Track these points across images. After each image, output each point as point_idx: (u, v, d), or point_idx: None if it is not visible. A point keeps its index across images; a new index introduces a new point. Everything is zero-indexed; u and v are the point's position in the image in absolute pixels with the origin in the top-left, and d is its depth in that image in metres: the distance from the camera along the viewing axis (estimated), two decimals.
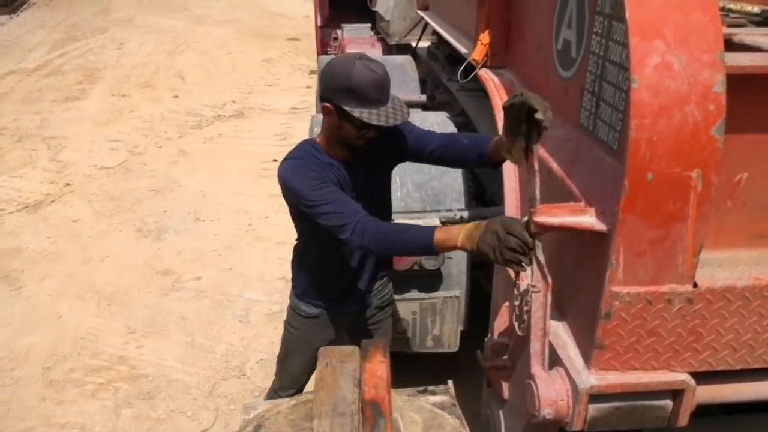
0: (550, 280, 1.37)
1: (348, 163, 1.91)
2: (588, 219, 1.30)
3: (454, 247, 1.59)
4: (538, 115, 1.33)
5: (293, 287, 2.24)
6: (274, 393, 2.36)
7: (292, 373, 2.31)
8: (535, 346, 1.38)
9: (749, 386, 1.45)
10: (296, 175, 1.82)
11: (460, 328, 2.63)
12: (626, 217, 1.23)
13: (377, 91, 1.74)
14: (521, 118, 1.39)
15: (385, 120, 1.74)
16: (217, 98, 7.45)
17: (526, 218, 1.40)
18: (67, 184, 5.33)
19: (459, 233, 1.56)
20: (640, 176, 1.21)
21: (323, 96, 1.81)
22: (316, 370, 1.73)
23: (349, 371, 1.70)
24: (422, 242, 1.67)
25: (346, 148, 1.87)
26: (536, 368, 1.38)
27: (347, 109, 1.74)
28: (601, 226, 1.29)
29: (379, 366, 1.72)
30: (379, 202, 2.06)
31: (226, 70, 8.66)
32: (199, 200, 5.03)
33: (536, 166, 1.37)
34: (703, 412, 1.58)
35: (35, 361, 3.34)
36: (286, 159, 1.89)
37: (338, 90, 1.75)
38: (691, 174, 1.20)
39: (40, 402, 3.07)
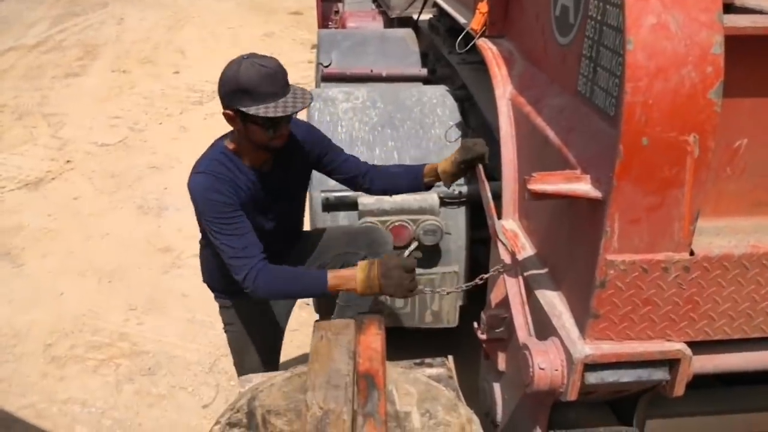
0: (518, 256, 1.36)
1: (262, 173, 1.89)
2: (583, 186, 1.28)
3: (354, 290, 1.77)
4: (485, 161, 1.92)
5: (207, 284, 2.23)
6: None
7: (253, 369, 2.19)
8: (518, 319, 1.37)
9: (747, 356, 1.43)
10: (205, 195, 1.80)
11: (460, 303, 2.62)
12: (621, 184, 1.20)
13: (269, 84, 1.73)
14: (473, 161, 1.91)
15: (283, 110, 1.73)
16: (218, 74, 7.35)
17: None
18: (68, 161, 5.31)
19: (355, 281, 1.75)
20: (635, 141, 1.17)
21: (223, 104, 1.80)
22: (311, 343, 1.73)
23: (343, 344, 1.69)
24: (315, 290, 1.85)
25: (264, 151, 1.85)
26: (526, 338, 1.36)
27: (244, 109, 1.72)
28: (596, 194, 1.26)
29: (374, 338, 1.71)
30: (288, 215, 2.08)
31: (227, 45, 8.57)
32: None
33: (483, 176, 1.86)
34: (701, 383, 1.57)
35: (37, 337, 3.35)
36: (197, 171, 1.85)
37: (231, 93, 1.74)
38: (687, 138, 1.17)
39: (41, 378, 3.09)
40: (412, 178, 2.07)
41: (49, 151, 5.53)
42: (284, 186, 1.97)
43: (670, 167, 1.19)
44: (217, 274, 2.08)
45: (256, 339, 2.17)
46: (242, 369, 2.25)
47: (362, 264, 1.77)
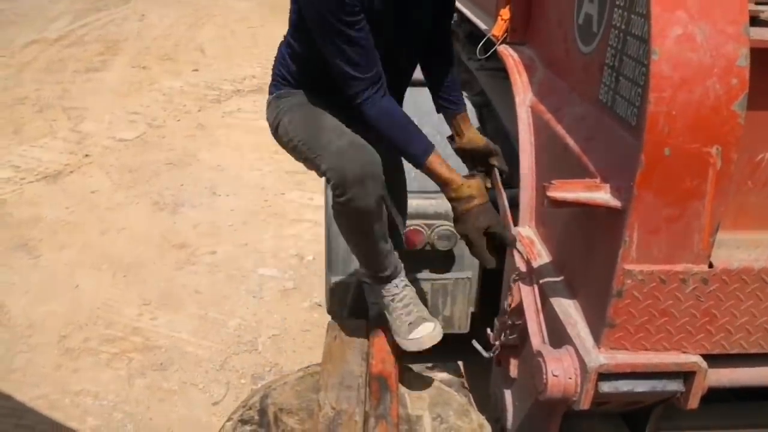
0: (533, 264, 1.36)
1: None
2: (603, 195, 1.27)
3: (444, 185, 1.65)
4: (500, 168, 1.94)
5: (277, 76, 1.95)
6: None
7: (334, 127, 1.74)
8: (532, 327, 1.37)
9: (764, 371, 1.42)
10: None
11: (471, 309, 2.62)
12: (642, 193, 1.20)
13: None
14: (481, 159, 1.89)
15: None
16: (237, 72, 7.43)
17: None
18: (86, 155, 5.37)
19: (453, 180, 1.63)
20: (657, 151, 1.17)
21: None
22: (324, 343, 1.74)
23: (357, 345, 1.71)
24: (415, 151, 1.68)
25: None
26: (540, 346, 1.36)
27: None
28: (615, 203, 1.26)
29: (387, 341, 1.72)
30: (404, 71, 1.93)
31: (247, 45, 8.62)
32: (216, 175, 5.04)
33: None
34: (715, 397, 1.56)
35: (52, 329, 3.38)
36: None
37: None
38: (710, 150, 1.16)
39: (55, 369, 3.12)
40: (441, 102, 2.03)
41: (68, 144, 5.59)
42: (415, 18, 1.75)
43: (692, 178, 1.19)
44: (298, 67, 1.86)
45: (321, 108, 1.80)
46: (326, 141, 1.71)
47: (472, 181, 1.68)
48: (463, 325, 2.64)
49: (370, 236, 1.71)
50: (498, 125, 2.63)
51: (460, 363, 2.40)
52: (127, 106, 6.43)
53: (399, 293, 1.82)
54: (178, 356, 3.21)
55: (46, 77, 7.26)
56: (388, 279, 1.82)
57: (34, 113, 6.23)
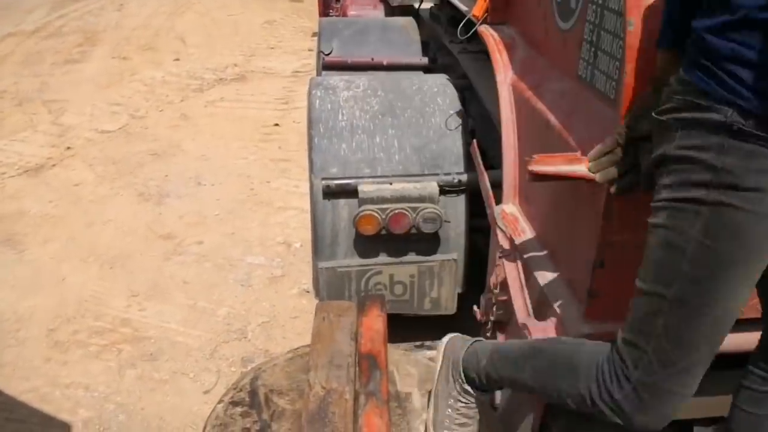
0: (517, 240, 1.37)
1: None
2: (583, 168, 1.29)
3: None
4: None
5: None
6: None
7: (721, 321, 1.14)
8: (517, 301, 1.39)
9: (741, 336, 1.45)
10: None
11: (458, 290, 2.64)
12: None
13: None
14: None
15: None
16: (219, 61, 7.38)
17: None
18: (68, 148, 5.32)
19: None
20: None
21: None
22: (313, 324, 1.75)
23: (346, 325, 1.72)
24: None
25: None
26: (525, 318, 1.39)
27: None
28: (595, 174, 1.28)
29: (376, 320, 1.74)
30: None
31: (228, 33, 8.55)
32: (200, 164, 5.02)
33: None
34: None
35: (40, 322, 3.37)
36: None
37: None
38: None
39: (44, 362, 3.11)
40: None
41: (49, 137, 5.53)
42: None
43: None
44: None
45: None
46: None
47: None
48: (450, 307, 2.66)
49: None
50: (480, 107, 2.65)
51: None
52: (109, 97, 6.37)
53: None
54: (168, 346, 3.21)
55: (25, 70, 7.16)
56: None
57: (13, 107, 6.15)
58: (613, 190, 1.23)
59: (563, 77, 1.62)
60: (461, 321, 2.63)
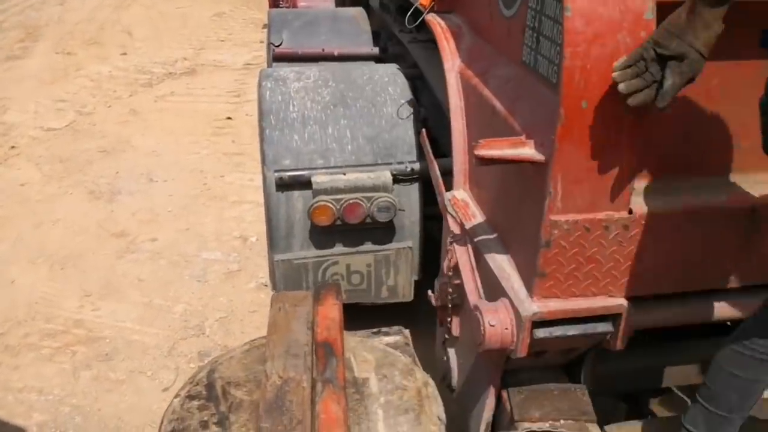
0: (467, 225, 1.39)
1: None
2: (527, 151, 1.33)
3: None
4: None
5: None
6: None
7: None
8: (468, 285, 1.42)
9: (686, 309, 1.52)
10: None
11: (414, 278, 2.67)
12: (562, 146, 1.25)
13: None
14: None
15: None
16: (168, 55, 7.24)
17: None
18: (13, 147, 5.15)
19: None
20: (574, 104, 1.22)
21: None
22: (269, 315, 1.75)
23: (302, 315, 1.73)
24: None
25: None
26: (476, 301, 1.42)
27: None
28: (539, 157, 1.31)
29: (332, 309, 1.75)
30: None
31: (176, 26, 8.38)
32: (152, 160, 4.93)
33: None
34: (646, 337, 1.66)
35: None
36: None
37: None
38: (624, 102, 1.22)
39: None
40: None
41: None
42: None
43: (609, 129, 1.25)
44: None
45: None
46: None
47: None
48: (407, 294, 2.69)
49: None
50: (432, 96, 2.67)
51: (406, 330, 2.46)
52: (53, 94, 6.19)
53: None
54: (123, 345, 3.16)
55: None
56: None
57: None
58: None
59: (509, 63, 1.65)
60: (418, 308, 2.67)
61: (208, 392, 1.57)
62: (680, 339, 1.71)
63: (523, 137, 1.38)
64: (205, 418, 1.49)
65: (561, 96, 1.22)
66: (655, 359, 1.70)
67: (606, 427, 1.56)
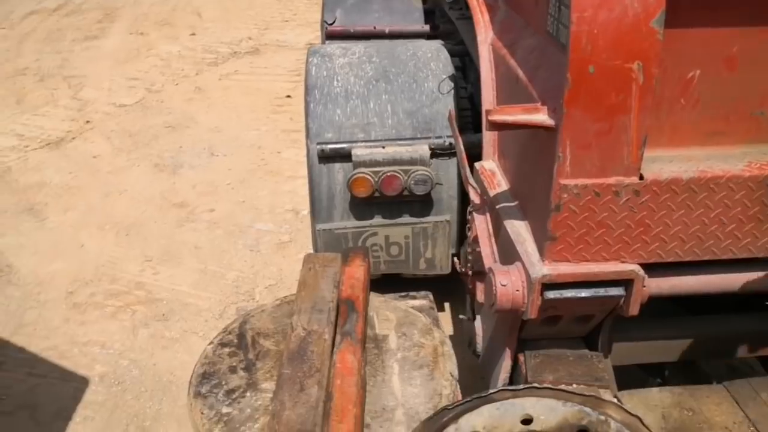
0: (492, 192, 1.42)
1: None
2: (539, 116, 1.35)
3: None
4: None
5: None
6: None
7: None
8: (485, 250, 1.45)
9: (701, 279, 1.51)
10: None
11: (452, 251, 2.70)
12: (570, 111, 1.28)
13: None
14: None
15: None
16: (234, 35, 7.46)
17: None
18: (87, 122, 5.48)
19: None
20: (581, 69, 1.24)
21: None
22: (300, 274, 1.85)
23: (330, 274, 1.81)
24: None
25: None
26: (491, 264, 1.46)
27: None
28: (550, 122, 1.34)
29: (358, 269, 1.82)
30: None
31: (243, 6, 8.61)
32: (213, 136, 5.14)
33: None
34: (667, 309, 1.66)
35: (59, 286, 3.54)
36: None
37: None
38: (632, 66, 1.23)
39: (63, 323, 3.28)
40: None
41: (69, 111, 5.69)
42: None
43: (617, 94, 1.26)
44: None
45: None
46: None
47: None
48: (444, 266, 2.73)
49: None
50: (478, 72, 2.69)
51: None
52: (126, 72, 6.51)
53: None
54: (179, 307, 3.36)
55: (46, 47, 7.33)
56: None
57: (35, 83, 6.32)
58: None
59: (534, 34, 1.67)
60: (457, 281, 2.71)
61: (239, 341, 1.68)
62: (700, 313, 1.70)
63: (538, 104, 1.41)
64: (234, 364, 1.61)
65: (568, 61, 1.25)
66: (675, 331, 1.69)
67: (619, 393, 1.58)
